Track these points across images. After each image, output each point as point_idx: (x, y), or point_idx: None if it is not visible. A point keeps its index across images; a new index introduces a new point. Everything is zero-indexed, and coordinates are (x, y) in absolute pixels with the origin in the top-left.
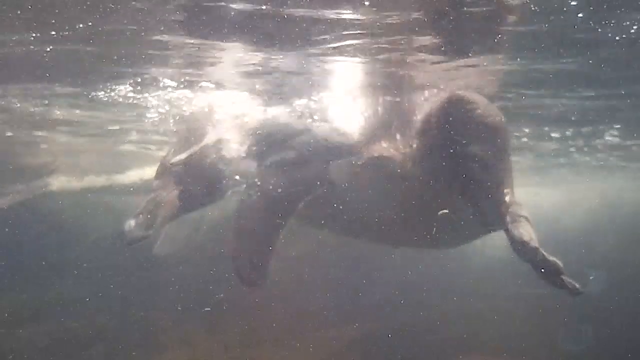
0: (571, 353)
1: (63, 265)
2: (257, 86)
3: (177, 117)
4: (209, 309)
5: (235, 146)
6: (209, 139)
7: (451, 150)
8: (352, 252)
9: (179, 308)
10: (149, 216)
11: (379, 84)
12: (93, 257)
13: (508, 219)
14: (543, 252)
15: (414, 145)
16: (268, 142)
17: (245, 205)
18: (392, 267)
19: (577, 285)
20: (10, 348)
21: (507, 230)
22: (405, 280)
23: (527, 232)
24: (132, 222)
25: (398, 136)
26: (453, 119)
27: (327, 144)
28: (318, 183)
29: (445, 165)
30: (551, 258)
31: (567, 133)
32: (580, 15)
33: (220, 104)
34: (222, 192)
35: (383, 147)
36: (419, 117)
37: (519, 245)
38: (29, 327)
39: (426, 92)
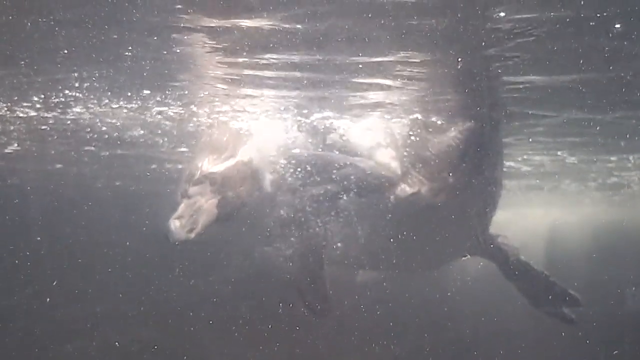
0: None
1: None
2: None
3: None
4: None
5: (272, 165)
6: (246, 153)
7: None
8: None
9: (225, 323)
10: (191, 220)
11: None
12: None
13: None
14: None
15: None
16: (307, 170)
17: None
18: (434, 285)
19: (573, 316)
20: None
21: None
22: (449, 298)
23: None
24: (176, 223)
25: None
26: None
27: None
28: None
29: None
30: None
31: None
32: None
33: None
34: (257, 206)
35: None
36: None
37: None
38: (77, 341)
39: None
